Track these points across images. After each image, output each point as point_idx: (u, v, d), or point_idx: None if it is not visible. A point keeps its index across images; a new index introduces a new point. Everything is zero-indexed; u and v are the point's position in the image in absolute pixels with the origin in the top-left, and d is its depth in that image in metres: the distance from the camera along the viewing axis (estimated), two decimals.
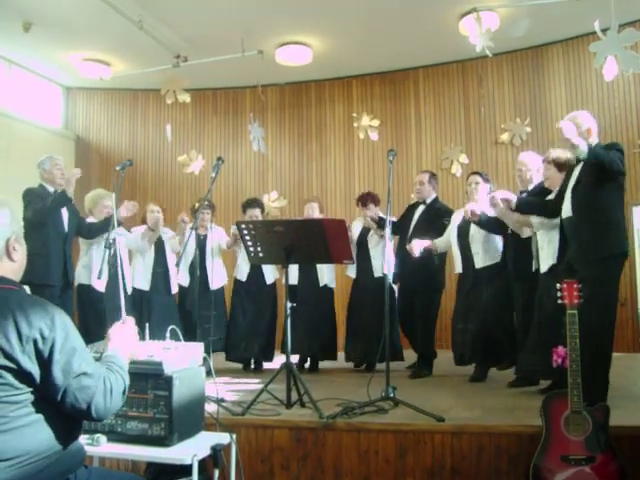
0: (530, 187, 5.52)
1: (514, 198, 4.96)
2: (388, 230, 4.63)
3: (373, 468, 3.82)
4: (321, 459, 3.88)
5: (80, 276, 6.29)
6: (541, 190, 5.31)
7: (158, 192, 10.24)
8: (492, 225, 5.68)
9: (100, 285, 6.12)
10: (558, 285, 3.58)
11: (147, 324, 3.18)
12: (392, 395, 4.23)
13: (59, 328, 2.08)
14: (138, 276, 6.60)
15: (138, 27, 7.75)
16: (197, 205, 6.74)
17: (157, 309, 6.57)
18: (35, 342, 2.03)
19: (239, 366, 6.85)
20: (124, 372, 2.30)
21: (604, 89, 8.62)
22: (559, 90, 9.02)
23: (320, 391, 4.68)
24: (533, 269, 5.19)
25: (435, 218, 6.31)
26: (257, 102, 9.70)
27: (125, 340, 2.45)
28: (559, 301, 3.55)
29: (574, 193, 4.44)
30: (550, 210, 4.80)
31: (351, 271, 6.79)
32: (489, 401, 4.60)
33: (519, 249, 5.41)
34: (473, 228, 5.90)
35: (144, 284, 6.58)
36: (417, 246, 5.86)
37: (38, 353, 2.04)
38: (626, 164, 8.26)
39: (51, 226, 5.89)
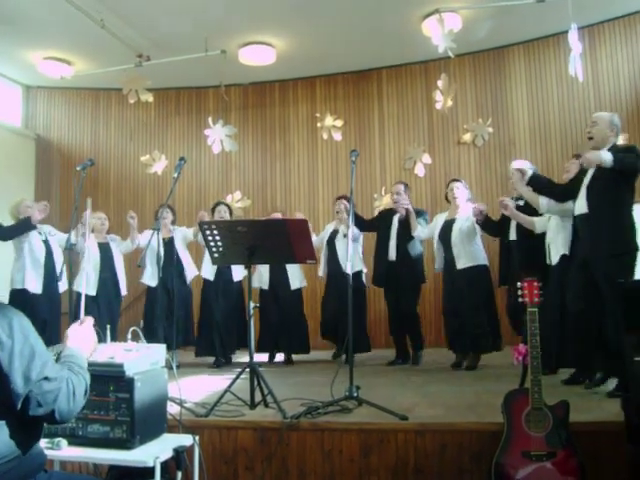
0: None
1: (529, 171, 5.09)
2: (351, 230, 4.65)
3: (337, 467, 3.83)
4: (285, 459, 3.88)
5: (14, 281, 6.38)
6: None
7: (120, 192, 10.14)
8: (491, 227, 6.14)
9: (34, 287, 6.19)
10: (519, 284, 3.63)
11: (108, 326, 3.16)
12: (356, 394, 4.25)
13: (17, 332, 2.04)
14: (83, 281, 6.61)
15: (100, 26, 7.65)
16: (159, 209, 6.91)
17: (106, 312, 6.65)
18: None
19: (206, 362, 7.02)
20: (85, 371, 2.26)
21: (564, 90, 8.77)
22: (520, 91, 9.13)
23: (284, 391, 4.68)
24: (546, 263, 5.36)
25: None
26: (220, 102, 9.66)
27: (84, 339, 2.41)
28: (519, 299, 3.59)
29: (590, 191, 4.58)
30: (559, 192, 4.95)
31: (321, 271, 7.12)
32: (452, 399, 4.63)
33: (526, 249, 5.66)
34: (455, 231, 6.29)
35: (90, 289, 6.59)
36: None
37: None
38: None
39: None
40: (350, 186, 4.67)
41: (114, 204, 9.97)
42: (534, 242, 5.54)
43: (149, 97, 8.77)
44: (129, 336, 3.15)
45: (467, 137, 9.23)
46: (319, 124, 9.79)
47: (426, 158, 9.33)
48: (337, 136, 9.64)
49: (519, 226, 5.74)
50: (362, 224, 6.87)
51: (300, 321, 7.18)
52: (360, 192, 9.01)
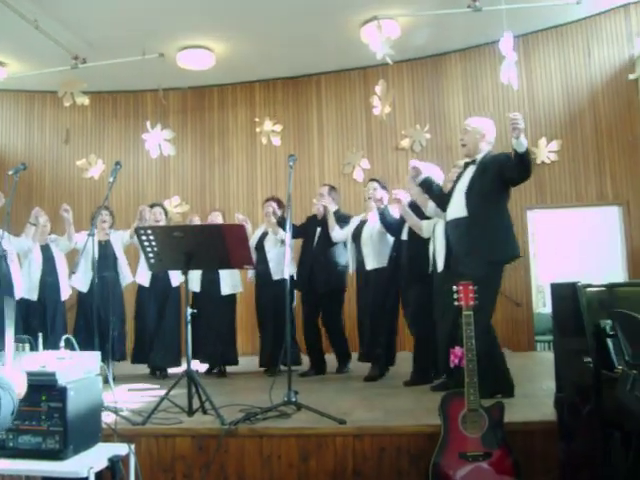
0: None
1: (425, 173, 5.04)
2: (289, 235, 4.65)
3: (276, 473, 3.82)
4: (224, 466, 3.85)
5: None
6: None
7: (56, 197, 9.90)
8: (392, 225, 5.86)
9: None
10: (455, 287, 3.68)
11: (40, 334, 3.09)
12: (294, 399, 4.24)
13: None
14: (25, 286, 6.43)
15: (34, 27, 7.47)
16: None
17: (49, 318, 6.47)
18: None
19: (143, 372, 6.78)
20: (14, 393, 2.19)
21: (499, 98, 8.98)
22: (457, 98, 9.30)
23: (222, 397, 4.66)
24: (429, 271, 5.31)
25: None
26: (158, 106, 9.56)
27: (14, 378, 2.32)
28: (455, 303, 3.64)
29: (469, 195, 4.56)
30: (443, 202, 4.88)
31: (250, 275, 6.90)
32: (390, 402, 4.67)
33: (414, 252, 5.55)
34: (365, 232, 6.15)
35: (31, 294, 6.42)
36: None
37: None
38: None
39: None
40: (287, 191, 4.68)
41: (49, 209, 9.66)
42: (423, 245, 5.44)
43: (85, 100, 8.62)
44: (62, 344, 3.09)
45: (405, 143, 9.34)
46: (258, 129, 9.78)
47: (365, 163, 9.41)
48: (276, 141, 9.66)
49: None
50: (295, 231, 6.48)
51: (228, 331, 6.84)
52: (299, 197, 9.00)
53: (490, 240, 4.44)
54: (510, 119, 4.19)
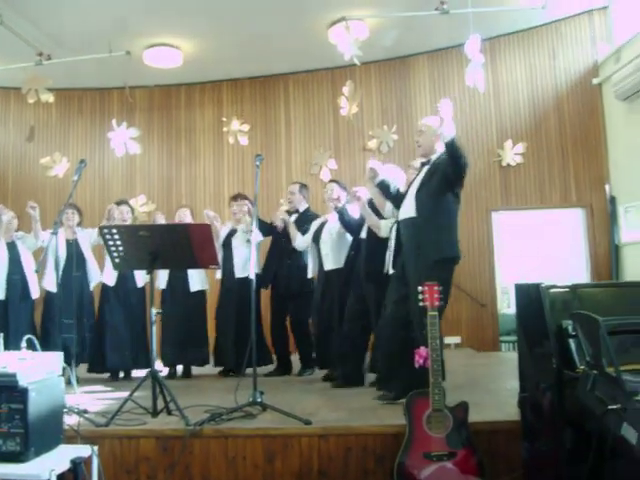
0: None
1: (382, 175, 5.00)
2: (255, 233, 4.63)
3: (241, 474, 3.81)
4: (188, 467, 3.83)
5: None
6: None
7: (19, 196, 9.72)
8: (350, 224, 5.79)
9: None
10: (420, 288, 3.69)
11: (1, 334, 3.04)
12: (260, 400, 4.23)
13: None
14: None
15: None
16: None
17: (14, 318, 6.33)
18: None
19: (106, 375, 6.66)
20: None
21: (466, 100, 9.05)
22: (424, 99, 9.36)
23: (187, 398, 4.61)
24: (384, 272, 5.20)
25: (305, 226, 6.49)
26: (125, 104, 9.47)
27: None
28: (420, 304, 3.66)
29: (418, 195, 4.57)
30: (399, 203, 4.85)
31: (217, 272, 6.81)
32: (355, 402, 4.68)
33: (372, 251, 5.44)
34: (325, 231, 6.09)
35: None
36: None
37: None
38: (485, 171, 8.83)
39: None
40: (255, 191, 4.67)
41: (12, 208, 9.51)
42: (382, 245, 5.30)
43: (50, 97, 8.48)
44: (23, 344, 3.04)
45: (372, 143, 9.38)
46: (225, 128, 9.75)
47: (332, 163, 9.43)
48: (243, 141, 9.63)
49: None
50: (265, 229, 6.51)
51: (200, 328, 6.74)
52: (266, 197, 8.98)
53: (436, 240, 4.44)
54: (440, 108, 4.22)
